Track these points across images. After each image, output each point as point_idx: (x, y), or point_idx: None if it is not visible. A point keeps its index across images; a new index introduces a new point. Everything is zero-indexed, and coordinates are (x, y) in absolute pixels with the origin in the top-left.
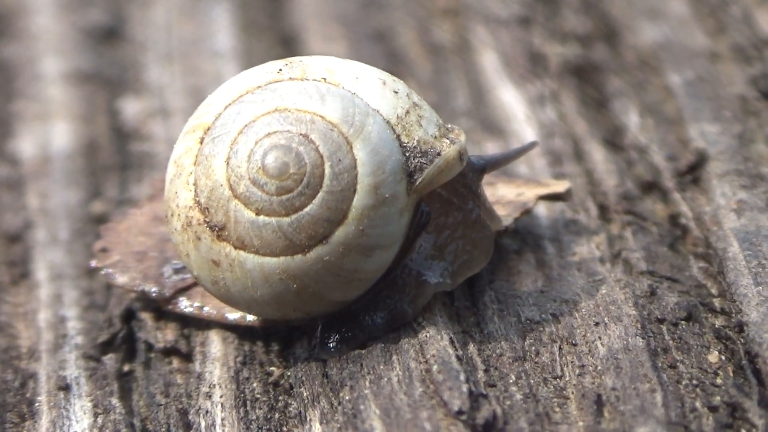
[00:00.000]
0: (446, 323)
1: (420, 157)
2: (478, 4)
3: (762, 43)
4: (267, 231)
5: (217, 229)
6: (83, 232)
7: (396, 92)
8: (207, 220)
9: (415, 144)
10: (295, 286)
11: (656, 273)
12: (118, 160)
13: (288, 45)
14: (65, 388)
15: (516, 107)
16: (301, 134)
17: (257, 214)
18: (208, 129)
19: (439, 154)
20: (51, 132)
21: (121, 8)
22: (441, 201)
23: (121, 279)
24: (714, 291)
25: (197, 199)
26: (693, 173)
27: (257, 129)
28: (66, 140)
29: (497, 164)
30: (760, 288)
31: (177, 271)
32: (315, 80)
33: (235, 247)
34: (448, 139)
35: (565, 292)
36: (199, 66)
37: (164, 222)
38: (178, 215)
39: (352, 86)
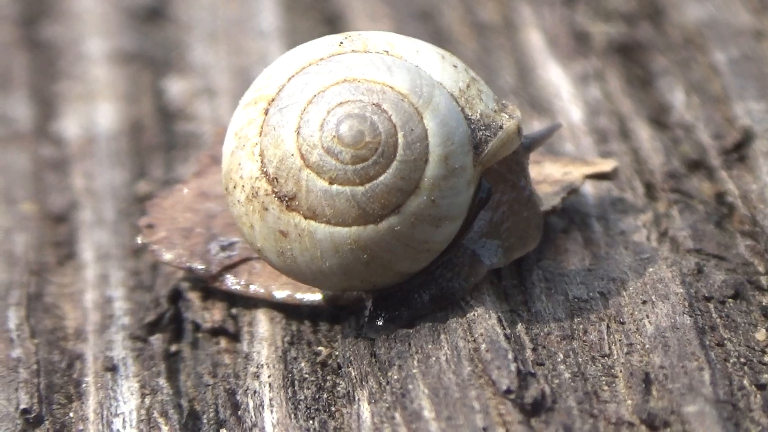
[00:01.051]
0: (494, 302)
1: (484, 129)
2: None
3: None
4: (340, 200)
5: (286, 199)
6: (129, 212)
7: (455, 66)
8: (276, 190)
9: (479, 117)
10: (365, 256)
11: (703, 251)
12: (163, 140)
13: (332, 24)
14: (112, 368)
15: (561, 86)
16: (373, 104)
17: (330, 183)
18: (273, 100)
19: (501, 127)
20: (95, 112)
21: None
22: (497, 178)
23: (167, 255)
24: (761, 269)
25: (264, 169)
26: (739, 151)
27: (328, 98)
28: (111, 120)
29: (539, 142)
30: None
31: (224, 248)
32: (378, 53)
33: (306, 217)
34: (506, 113)
35: (612, 270)
36: (243, 46)
37: (223, 195)
38: (242, 186)
39: (414, 59)
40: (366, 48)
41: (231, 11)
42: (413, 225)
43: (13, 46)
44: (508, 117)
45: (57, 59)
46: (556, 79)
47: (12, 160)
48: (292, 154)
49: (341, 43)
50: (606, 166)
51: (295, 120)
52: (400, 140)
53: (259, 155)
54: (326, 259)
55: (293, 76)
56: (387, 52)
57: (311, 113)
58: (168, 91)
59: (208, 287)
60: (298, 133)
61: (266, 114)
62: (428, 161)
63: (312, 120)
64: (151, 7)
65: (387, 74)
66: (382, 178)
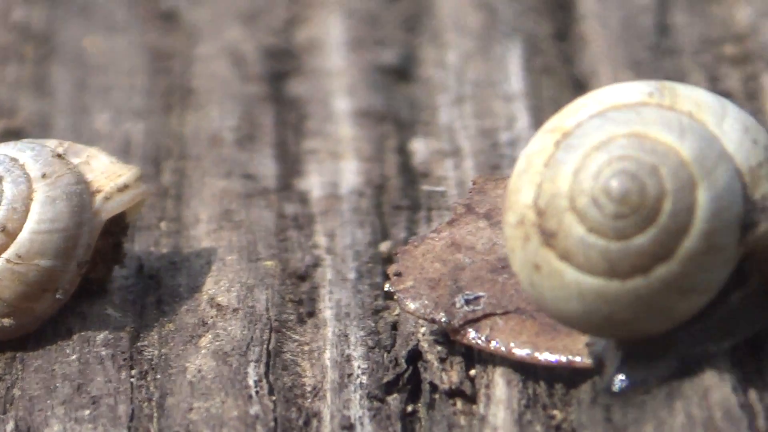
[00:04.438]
0: (729, 370)
1: (760, 212)
2: (767, 53)
3: None
4: (593, 251)
5: (547, 235)
6: (370, 271)
7: (755, 142)
8: (540, 223)
9: (759, 198)
10: (605, 308)
11: None
12: (406, 201)
13: (578, 90)
14: (348, 427)
15: None
16: (651, 165)
17: (588, 231)
18: (567, 134)
19: None
20: (340, 170)
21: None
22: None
23: (412, 305)
24: None
25: (537, 200)
26: None
27: (612, 149)
28: (354, 179)
29: None
30: None
31: (468, 302)
32: (681, 112)
33: (559, 258)
34: None
35: None
36: (490, 107)
37: (502, 208)
38: (515, 210)
39: (715, 127)
40: (672, 105)
41: (478, 73)
42: (657, 290)
43: (261, 102)
44: None
45: (304, 116)
46: None
47: (258, 216)
48: (563, 194)
49: (651, 94)
50: None
51: (577, 161)
52: (666, 207)
53: (538, 185)
54: (571, 302)
55: (594, 115)
56: (691, 113)
57: (592, 159)
58: (413, 151)
59: (449, 342)
60: (576, 175)
61: (556, 147)
62: (689, 233)
63: (591, 166)
64: (398, 67)
65: (678, 138)
66: (637, 239)
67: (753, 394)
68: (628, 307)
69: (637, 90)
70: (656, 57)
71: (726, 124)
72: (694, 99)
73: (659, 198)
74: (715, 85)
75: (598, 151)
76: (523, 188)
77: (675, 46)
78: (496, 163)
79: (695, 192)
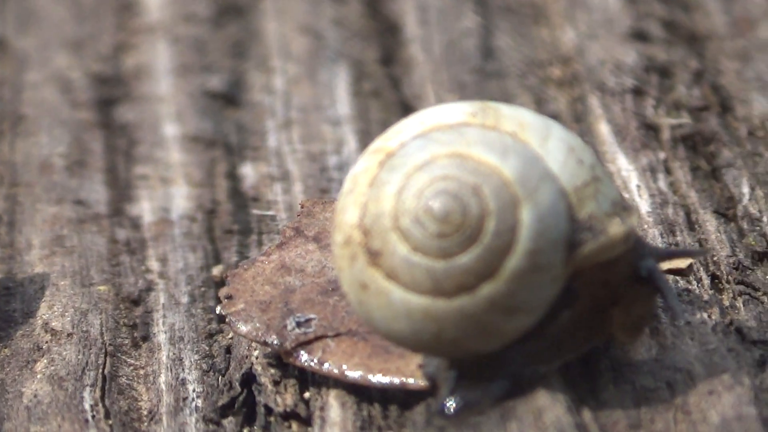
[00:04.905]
0: (563, 390)
1: (586, 231)
2: (592, 76)
3: None
4: (418, 270)
5: (372, 254)
6: (203, 295)
7: (581, 162)
8: (365, 242)
9: (585, 218)
10: (433, 327)
11: None
12: (237, 225)
13: (406, 113)
14: None
15: (629, 178)
16: (473, 185)
17: (413, 250)
18: (391, 154)
19: (604, 231)
20: (171, 196)
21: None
22: (596, 281)
23: (243, 328)
24: None
25: (362, 220)
26: None
27: (434, 169)
28: (185, 204)
29: (660, 282)
30: None
31: (300, 325)
32: (505, 132)
33: (386, 277)
34: (619, 217)
35: (678, 360)
36: (318, 132)
37: (330, 229)
38: (341, 230)
39: (538, 147)
40: (495, 125)
41: (305, 98)
42: (484, 309)
43: (91, 129)
44: (619, 222)
45: (134, 142)
46: (624, 170)
47: (90, 241)
48: (386, 214)
49: (475, 114)
50: (682, 263)
51: (400, 182)
52: (489, 226)
53: (363, 205)
54: (399, 321)
55: (417, 136)
56: (514, 133)
57: (415, 179)
58: (243, 176)
59: (283, 365)
60: (398, 195)
61: (380, 167)
62: (513, 252)
63: (413, 186)
64: (225, 92)
65: (500, 158)
66: (461, 258)
67: (587, 414)
68: (456, 326)
69: (460, 110)
70: (481, 79)
71: (550, 144)
72: (518, 119)
73: (482, 217)
74: (542, 107)
75: (420, 171)
76: (349, 208)
77: (500, 69)
78: (324, 187)
79: (518, 211)
